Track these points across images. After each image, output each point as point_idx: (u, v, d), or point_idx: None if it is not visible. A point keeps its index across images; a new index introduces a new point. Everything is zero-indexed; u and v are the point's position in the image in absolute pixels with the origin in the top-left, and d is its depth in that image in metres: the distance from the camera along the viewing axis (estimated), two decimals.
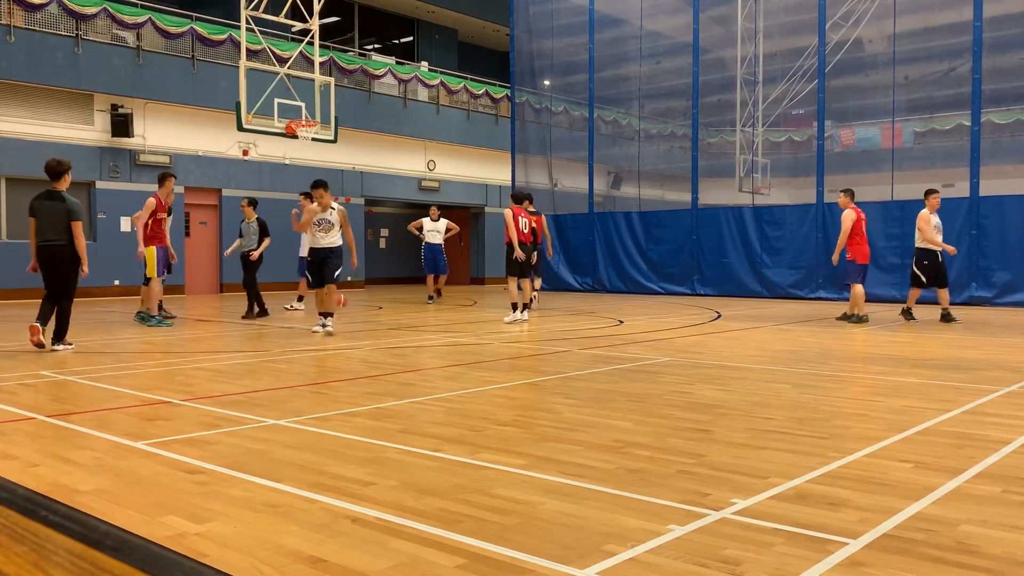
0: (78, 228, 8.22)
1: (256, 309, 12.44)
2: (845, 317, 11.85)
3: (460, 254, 28.65)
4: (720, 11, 20.39)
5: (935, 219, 11.50)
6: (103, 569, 0.76)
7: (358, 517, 2.91)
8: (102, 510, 2.99)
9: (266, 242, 12.62)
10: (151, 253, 11.17)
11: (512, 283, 11.81)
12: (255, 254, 12.46)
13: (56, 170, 8.45)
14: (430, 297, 16.47)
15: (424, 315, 13.36)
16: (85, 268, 8.31)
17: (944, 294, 11.73)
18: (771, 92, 19.50)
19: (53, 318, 8.25)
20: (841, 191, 12.22)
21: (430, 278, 16.56)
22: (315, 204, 9.72)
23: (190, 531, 2.76)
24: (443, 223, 16.47)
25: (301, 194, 14.62)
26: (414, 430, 4.42)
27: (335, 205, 9.73)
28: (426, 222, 16.49)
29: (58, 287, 8.21)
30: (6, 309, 14.54)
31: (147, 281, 12.46)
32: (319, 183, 9.71)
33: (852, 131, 20.40)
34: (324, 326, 9.75)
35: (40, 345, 8.10)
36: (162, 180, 11.58)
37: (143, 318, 11.23)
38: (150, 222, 11.12)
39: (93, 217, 18.30)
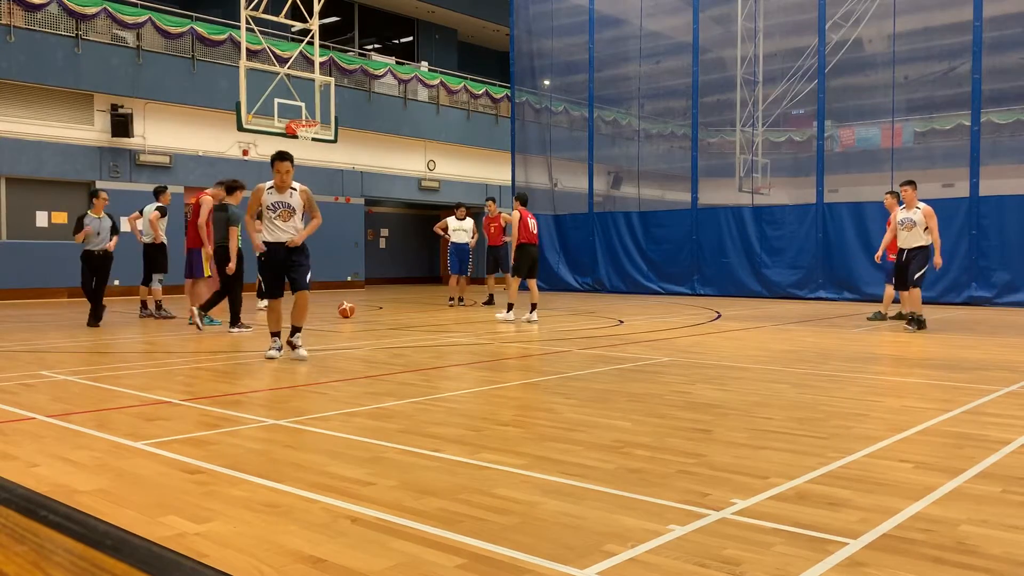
0: (232, 232, 10.06)
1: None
2: (907, 317, 11.47)
3: None
4: (720, 11, 20.39)
5: (898, 215, 10.51)
6: (103, 569, 0.76)
7: (358, 517, 2.91)
8: (102, 510, 2.99)
9: (115, 240, 11.38)
10: (207, 253, 11.28)
11: (514, 283, 11.79)
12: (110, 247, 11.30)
13: (231, 187, 10.42)
14: (451, 299, 15.74)
15: (424, 315, 13.36)
16: (232, 265, 10.00)
17: (903, 295, 10.73)
18: (771, 92, 19.49)
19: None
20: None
21: (452, 279, 15.76)
22: (268, 183, 7.48)
23: (190, 531, 2.76)
24: (470, 222, 15.64)
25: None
26: (414, 430, 4.42)
27: (296, 185, 7.55)
28: (451, 221, 15.73)
29: (224, 281, 10.26)
30: (6, 309, 14.54)
31: (147, 281, 12.49)
32: (283, 155, 7.45)
33: (852, 131, 20.40)
34: (295, 347, 7.59)
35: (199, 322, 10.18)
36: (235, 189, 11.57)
37: (201, 317, 11.19)
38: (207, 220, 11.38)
39: None
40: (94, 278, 11.19)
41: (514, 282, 11.83)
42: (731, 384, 6.08)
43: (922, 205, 10.31)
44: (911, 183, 10.51)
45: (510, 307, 11.71)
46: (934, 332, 10.36)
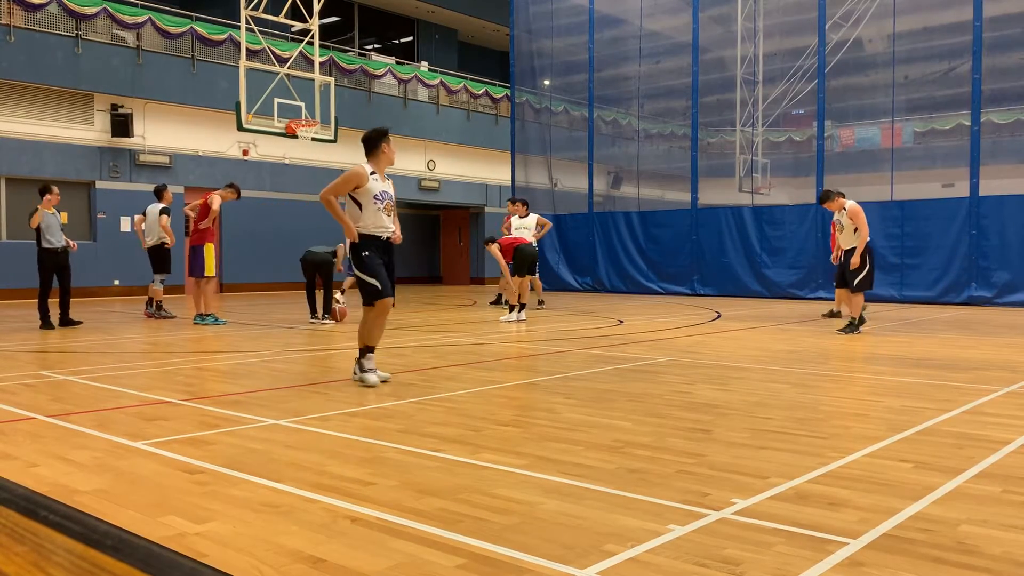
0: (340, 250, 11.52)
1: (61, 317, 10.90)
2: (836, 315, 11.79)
3: (460, 254, 28.64)
4: (720, 11, 20.39)
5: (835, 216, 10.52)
6: (103, 569, 0.76)
7: (358, 517, 2.91)
8: (102, 510, 2.99)
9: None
10: (210, 251, 11.25)
11: (515, 282, 11.83)
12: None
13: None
14: (540, 302, 14.77)
15: (424, 315, 13.36)
16: (339, 266, 11.51)
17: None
18: (771, 92, 19.50)
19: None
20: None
21: (531, 281, 14.53)
22: (368, 167, 6.15)
23: (190, 531, 2.76)
24: (532, 219, 14.41)
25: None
26: (414, 430, 4.42)
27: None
28: (513, 219, 14.59)
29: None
30: (6, 309, 14.54)
31: (160, 281, 12.47)
32: (383, 132, 6.31)
33: (852, 131, 20.41)
34: (370, 371, 6.11)
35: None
36: (230, 187, 11.64)
37: (202, 318, 11.19)
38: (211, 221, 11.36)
39: (93, 217, 18.30)
40: (57, 277, 10.63)
41: (515, 282, 11.90)
42: (731, 384, 6.07)
43: (849, 205, 10.03)
44: (826, 196, 10.35)
45: (512, 308, 11.73)
46: (934, 332, 10.36)
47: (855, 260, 9.79)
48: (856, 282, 9.90)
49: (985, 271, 15.39)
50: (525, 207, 14.79)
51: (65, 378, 6.35)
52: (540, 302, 14.72)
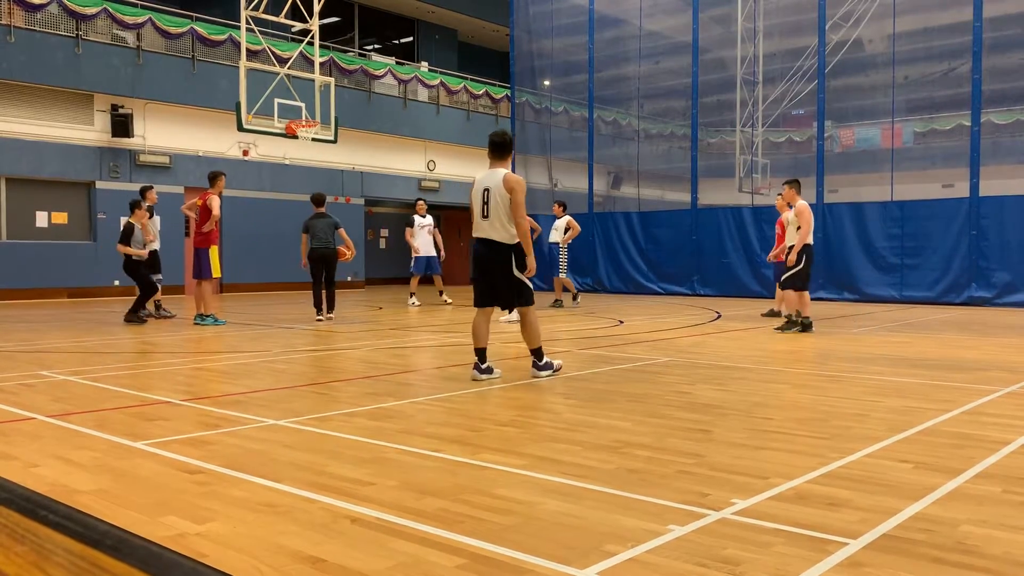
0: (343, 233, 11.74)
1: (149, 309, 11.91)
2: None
3: (460, 254, 28.64)
4: (720, 11, 20.39)
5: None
6: (103, 569, 0.76)
7: (358, 517, 2.91)
8: (102, 510, 2.99)
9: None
10: (214, 252, 11.19)
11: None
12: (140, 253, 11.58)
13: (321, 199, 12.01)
14: (556, 301, 14.70)
15: (424, 315, 13.36)
16: (344, 252, 11.73)
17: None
18: (771, 92, 19.49)
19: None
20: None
21: (555, 280, 14.91)
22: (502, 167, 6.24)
23: (190, 531, 2.76)
24: (563, 220, 14.42)
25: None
26: (414, 430, 4.42)
27: None
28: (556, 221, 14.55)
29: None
30: (6, 309, 14.54)
31: (156, 283, 12.44)
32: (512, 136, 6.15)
33: (852, 131, 20.41)
34: (547, 366, 6.37)
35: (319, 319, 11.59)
36: (216, 179, 11.29)
37: (202, 318, 11.15)
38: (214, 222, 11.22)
39: (93, 217, 18.30)
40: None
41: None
42: (731, 384, 6.07)
43: (798, 204, 9.99)
44: (788, 183, 10.43)
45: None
46: (934, 332, 10.36)
47: (791, 258, 9.83)
48: (786, 278, 9.94)
49: (985, 271, 15.39)
50: (562, 208, 14.77)
51: (65, 378, 6.35)
52: (556, 301, 14.78)
